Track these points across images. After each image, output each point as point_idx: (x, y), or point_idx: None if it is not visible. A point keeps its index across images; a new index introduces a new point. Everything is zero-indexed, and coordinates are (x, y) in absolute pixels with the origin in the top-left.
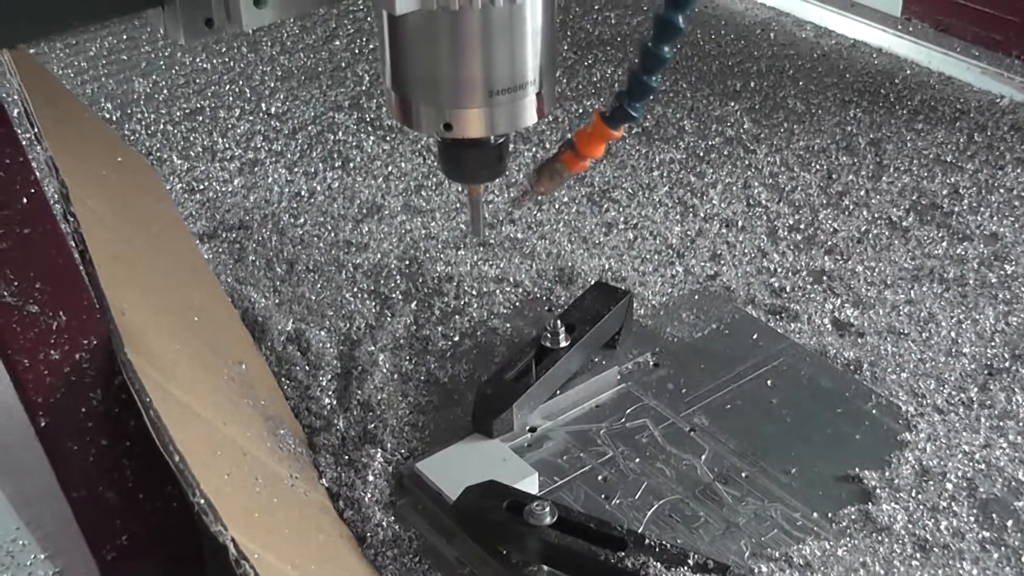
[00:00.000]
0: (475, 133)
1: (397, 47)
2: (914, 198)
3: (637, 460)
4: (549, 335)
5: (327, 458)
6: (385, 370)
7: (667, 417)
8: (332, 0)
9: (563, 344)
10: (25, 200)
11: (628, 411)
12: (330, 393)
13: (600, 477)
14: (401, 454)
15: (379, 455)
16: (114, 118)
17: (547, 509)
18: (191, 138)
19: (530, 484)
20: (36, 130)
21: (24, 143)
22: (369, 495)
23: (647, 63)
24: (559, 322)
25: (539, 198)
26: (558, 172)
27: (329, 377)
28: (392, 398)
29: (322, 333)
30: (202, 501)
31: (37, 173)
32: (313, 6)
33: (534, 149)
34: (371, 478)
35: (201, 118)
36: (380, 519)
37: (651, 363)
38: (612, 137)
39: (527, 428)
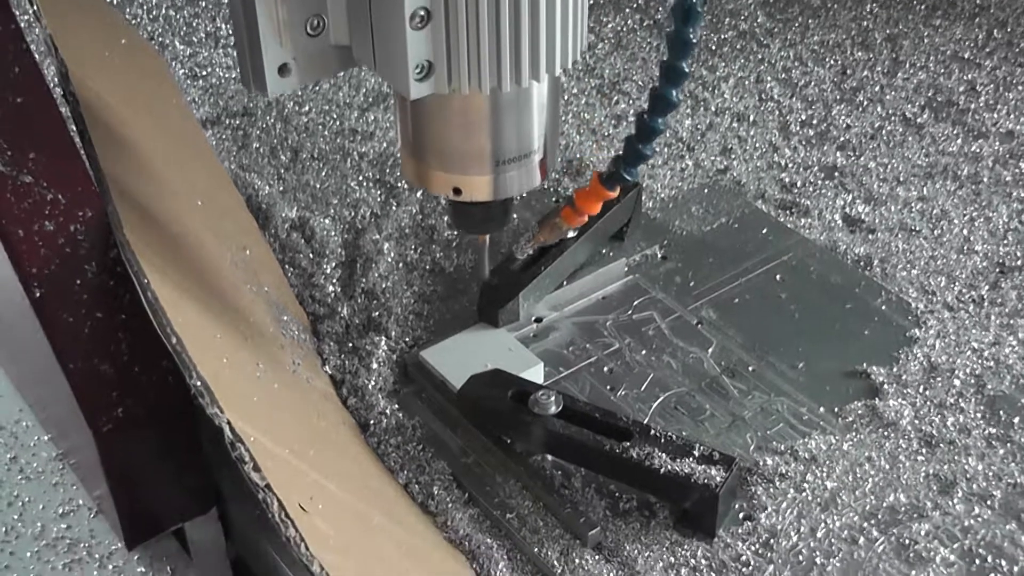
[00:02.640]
0: (482, 197)
1: (411, 120)
2: (929, 95)
3: (643, 352)
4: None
5: (331, 345)
6: (390, 259)
7: (674, 310)
8: (345, 66)
9: (570, 235)
10: (17, 69)
11: (635, 303)
12: (334, 281)
13: (606, 368)
14: (405, 342)
15: (383, 343)
16: (115, 1)
17: (552, 399)
18: (194, 23)
19: (535, 374)
20: (35, 8)
21: (23, 24)
22: (373, 383)
23: (642, 133)
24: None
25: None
26: (558, 225)
27: (333, 265)
28: (397, 287)
29: (326, 221)
30: (199, 383)
31: (36, 56)
32: (333, 72)
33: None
34: (375, 366)
35: (204, 3)
36: (383, 407)
37: (659, 256)
38: (608, 197)
39: (533, 318)
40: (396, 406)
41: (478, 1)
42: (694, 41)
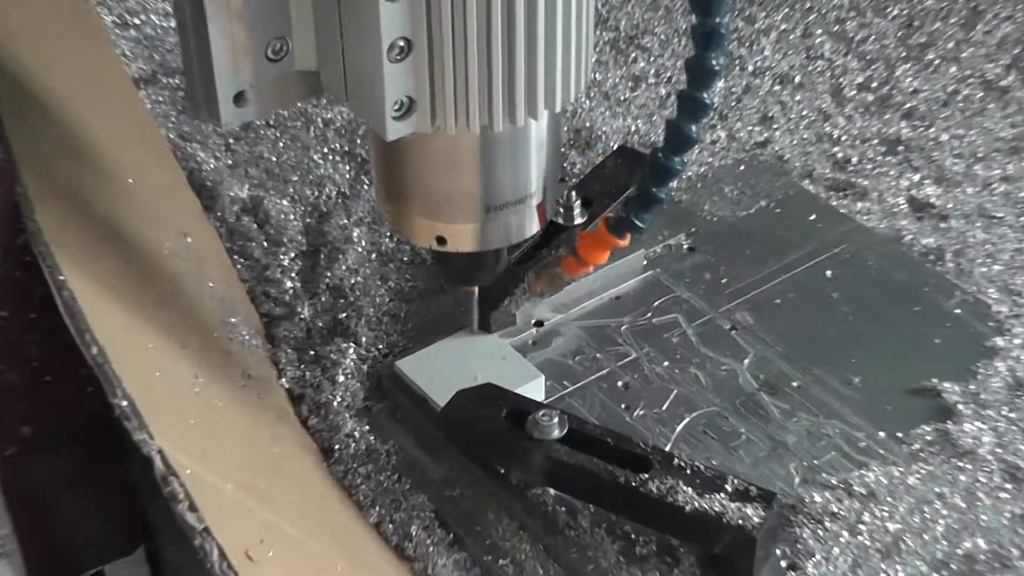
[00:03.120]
0: (470, 247)
1: (387, 159)
2: (1016, 52)
3: (665, 363)
4: (562, 210)
5: (288, 353)
6: (361, 248)
7: (703, 312)
8: (313, 94)
9: (578, 221)
10: None
11: (655, 304)
12: (293, 275)
13: (620, 383)
14: (379, 350)
15: (352, 351)
16: None
17: (555, 420)
18: None
19: (535, 389)
20: None
21: None
22: (339, 399)
23: (657, 175)
24: (573, 195)
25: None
26: (558, 276)
27: (292, 255)
28: (369, 282)
29: (284, 202)
30: (124, 403)
31: None
32: (298, 100)
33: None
34: (341, 378)
35: None
36: (352, 428)
37: (685, 247)
38: (617, 246)
39: (532, 322)
40: (367, 427)
41: (466, 29)
42: (718, 69)
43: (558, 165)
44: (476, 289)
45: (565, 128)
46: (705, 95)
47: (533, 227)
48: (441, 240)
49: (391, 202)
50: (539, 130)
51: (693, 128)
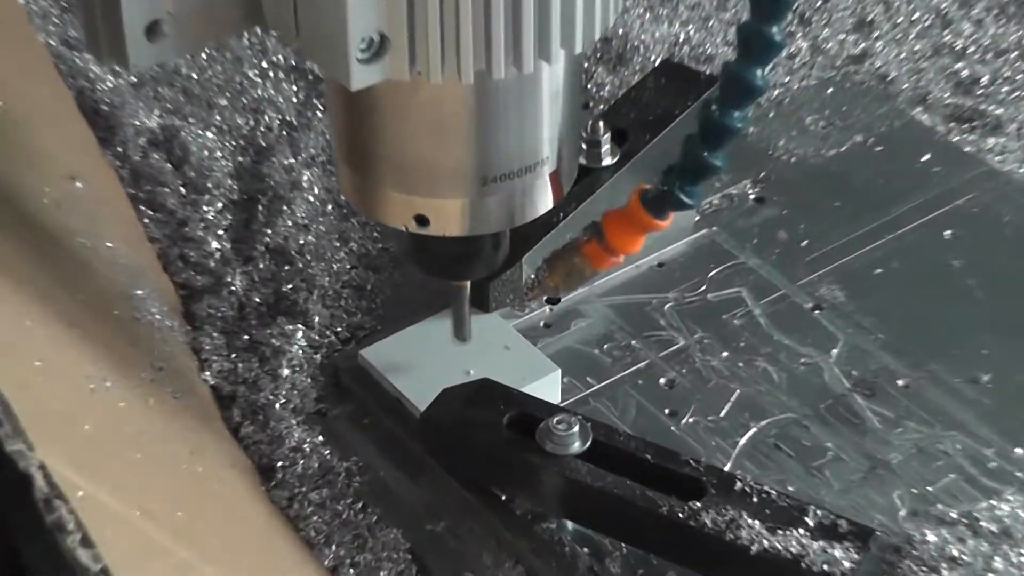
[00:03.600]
0: (460, 230)
1: (352, 114)
2: None
3: (725, 355)
4: (585, 147)
5: (214, 338)
6: (312, 197)
7: (776, 286)
8: (251, 23)
9: (607, 161)
10: None
11: (711, 274)
12: (220, 232)
13: (663, 380)
14: (337, 334)
15: (300, 335)
16: None
17: (575, 428)
18: None
19: (549, 387)
20: None
21: None
22: (282, 400)
23: (710, 134)
24: (601, 125)
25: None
26: (577, 269)
27: (220, 207)
28: (323, 242)
29: (208, 134)
30: None
31: None
32: (230, 34)
33: None
34: (286, 372)
35: None
36: (299, 440)
37: (751, 197)
38: (656, 229)
39: (545, 298)
40: (320, 438)
41: None
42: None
43: (578, 126)
44: (467, 286)
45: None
46: (775, 29)
47: (543, 203)
48: (422, 220)
49: (355, 171)
50: (553, 76)
51: (758, 73)
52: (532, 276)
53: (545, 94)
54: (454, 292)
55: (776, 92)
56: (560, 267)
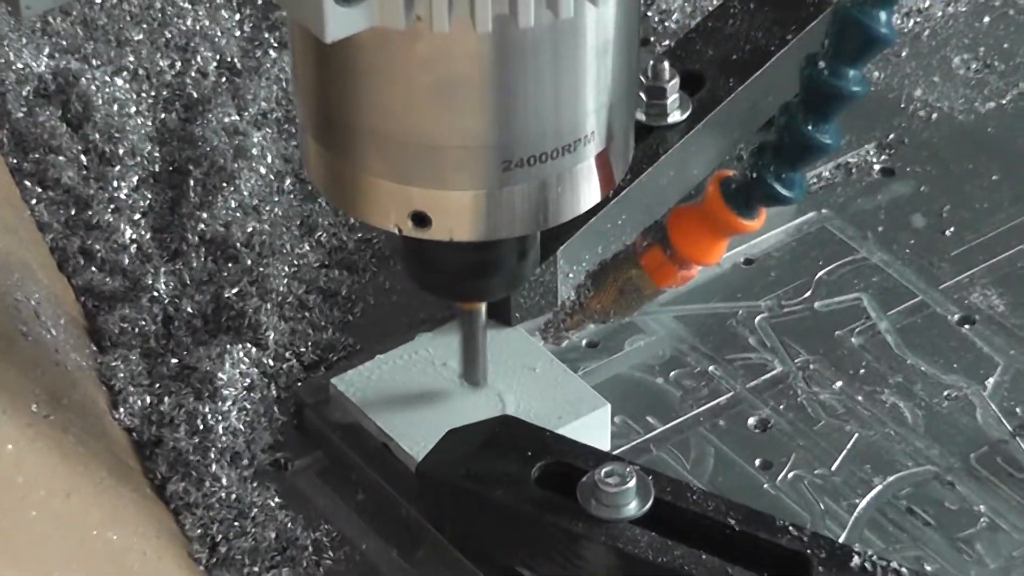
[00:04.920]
0: (473, 233)
1: (326, 75)
2: None
3: (838, 385)
4: (644, 98)
5: (131, 363)
6: (264, 168)
7: (910, 290)
8: None
9: (674, 117)
10: None
11: (820, 274)
12: (138, 217)
13: (753, 420)
14: (299, 356)
15: (249, 358)
16: None
17: (631, 484)
18: None
19: (595, 428)
20: None
21: None
22: (225, 446)
23: (816, 98)
24: (667, 68)
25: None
26: (633, 287)
27: (136, 182)
28: (279, 231)
29: (118, 81)
30: None
31: None
32: None
33: None
34: (228, 407)
35: None
36: (249, 501)
37: (876, 167)
38: (742, 231)
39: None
40: (277, 500)
41: None
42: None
43: (635, 77)
44: (482, 310)
45: None
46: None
47: (588, 196)
48: (421, 220)
49: (329, 152)
50: (601, 23)
51: (882, 17)
52: (572, 298)
53: (590, 48)
54: (463, 316)
55: (911, 22)
56: (610, 284)
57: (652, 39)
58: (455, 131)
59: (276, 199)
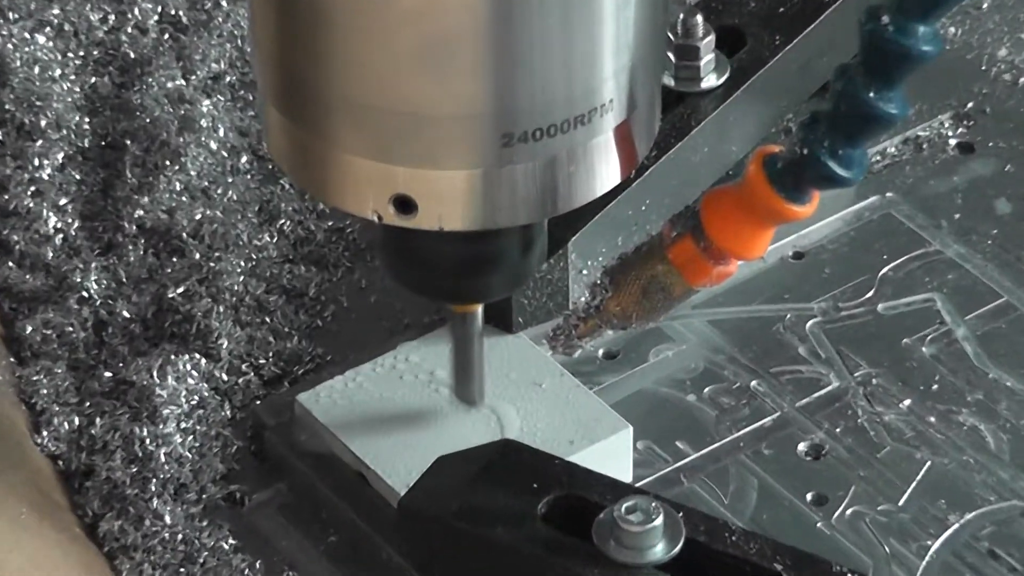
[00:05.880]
0: (467, 221)
1: (293, 29)
2: None
3: (906, 404)
4: (673, 59)
5: (55, 377)
6: (215, 144)
7: (994, 290)
8: None
9: (709, 82)
10: None
11: (885, 270)
12: (64, 202)
13: (804, 447)
14: (257, 369)
15: (190, 365)
16: None
17: (657, 522)
18: None
19: (613, 455)
20: None
21: None
22: (168, 477)
23: (880, 60)
24: (700, 23)
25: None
26: (660, 285)
27: (61, 160)
28: (234, 220)
29: (39, 39)
30: None
31: None
32: None
33: None
34: (171, 429)
35: None
36: (199, 544)
37: (951, 141)
38: (791, 218)
39: (610, 331)
40: (232, 541)
41: None
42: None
43: (663, 31)
44: (478, 314)
45: None
46: None
47: (606, 177)
48: (404, 205)
49: (293, 123)
50: None
51: None
52: (586, 299)
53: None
54: (456, 321)
55: None
56: (632, 282)
57: None
58: (446, 98)
59: (230, 180)
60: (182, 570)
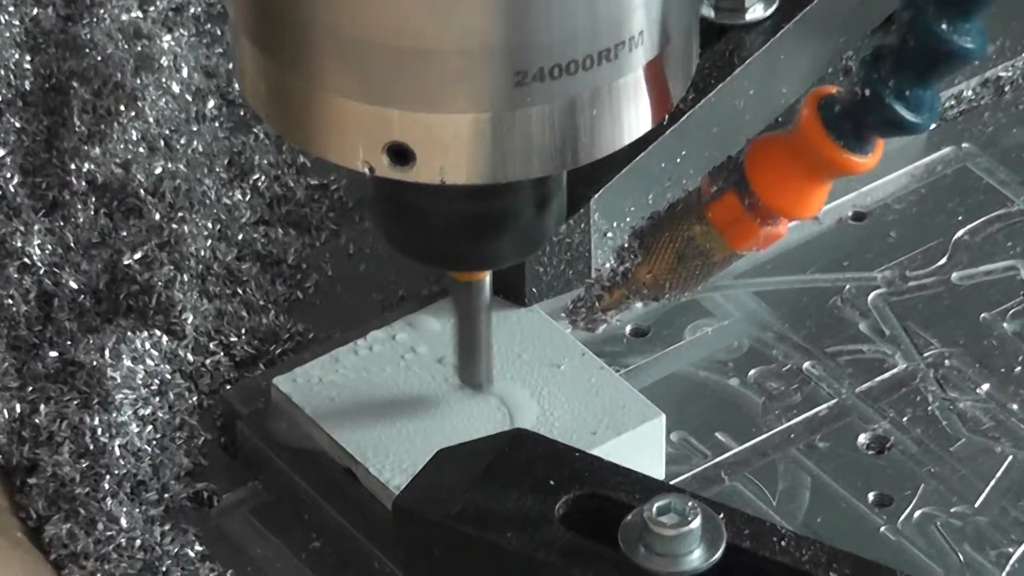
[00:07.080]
0: (472, 175)
1: None
2: None
3: (984, 388)
4: None
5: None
6: (178, 86)
7: None
8: None
9: (755, 14)
10: None
11: (960, 233)
12: (1, 155)
13: (865, 439)
14: (227, 348)
15: (149, 343)
16: None
17: (694, 525)
18: None
19: (644, 447)
20: None
21: None
22: (124, 472)
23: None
24: None
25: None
26: (698, 250)
27: (1, 99)
28: (199, 176)
29: None
30: None
31: None
32: None
33: None
34: (127, 418)
35: None
36: (160, 550)
37: None
38: (852, 171)
39: (641, 303)
40: (199, 548)
41: None
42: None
43: None
44: (486, 282)
45: None
46: None
47: (635, 123)
48: (400, 154)
49: (270, 60)
50: None
51: None
52: (612, 266)
53: None
54: (459, 293)
55: None
56: (665, 246)
57: None
58: (449, 29)
59: (194, 129)
60: (145, 570)
